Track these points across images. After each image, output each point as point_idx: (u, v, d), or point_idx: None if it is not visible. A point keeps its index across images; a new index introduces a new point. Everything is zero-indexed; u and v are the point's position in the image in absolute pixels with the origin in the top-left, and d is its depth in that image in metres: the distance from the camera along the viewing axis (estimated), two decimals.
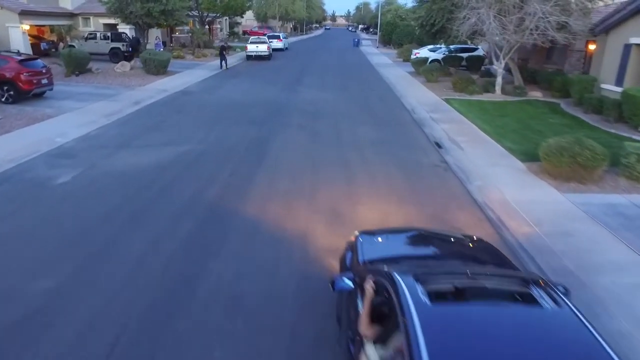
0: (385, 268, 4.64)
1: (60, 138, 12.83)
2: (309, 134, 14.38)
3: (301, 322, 5.62)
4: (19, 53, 19.16)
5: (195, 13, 41.35)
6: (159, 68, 25.16)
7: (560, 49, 22.77)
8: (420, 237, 6.44)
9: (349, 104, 19.66)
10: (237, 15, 52.37)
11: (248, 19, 75.81)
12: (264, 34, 51.97)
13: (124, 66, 26.13)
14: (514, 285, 4.22)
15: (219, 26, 56.71)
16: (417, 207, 9.02)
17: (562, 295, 3.99)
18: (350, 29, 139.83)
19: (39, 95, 17.63)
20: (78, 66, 23.52)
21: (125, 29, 31.73)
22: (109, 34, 30.40)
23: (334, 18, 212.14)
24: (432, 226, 7.90)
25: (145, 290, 6.11)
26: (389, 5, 70.87)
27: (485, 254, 5.74)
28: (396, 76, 28.83)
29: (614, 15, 17.37)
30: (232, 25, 63.74)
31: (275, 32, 60.78)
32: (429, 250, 6.08)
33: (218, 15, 45.73)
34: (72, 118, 15.12)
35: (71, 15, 33.07)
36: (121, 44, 29.81)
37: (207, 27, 45.18)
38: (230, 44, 43.20)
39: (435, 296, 3.90)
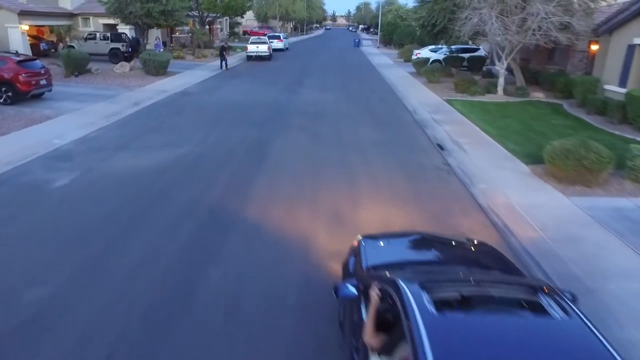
0: (390, 275, 4.55)
1: (59, 140, 12.68)
2: (310, 135, 14.23)
3: (303, 329, 5.49)
4: (17, 54, 19.03)
5: (195, 13, 41.20)
6: (158, 69, 25.02)
7: (562, 50, 22.62)
8: (424, 242, 6.32)
9: (350, 105, 19.51)
10: (237, 16, 52.23)
11: (248, 19, 75.65)
12: (265, 34, 51.85)
13: (123, 67, 26.00)
14: (521, 293, 4.13)
15: (219, 26, 56.58)
16: (420, 211, 8.87)
17: (570, 303, 3.89)
18: (350, 29, 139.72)
19: (38, 97, 17.50)
20: (77, 67, 23.37)
21: (125, 29, 31.60)
22: (108, 34, 30.27)
23: (334, 18, 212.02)
24: (435, 231, 7.77)
25: (143, 298, 5.96)
26: (389, 6, 70.68)
27: (490, 259, 5.63)
28: (397, 77, 28.69)
29: (617, 16, 17.21)
30: (233, 25, 63.60)
31: (276, 32, 60.66)
32: (433, 255, 5.96)
33: (218, 15, 45.57)
34: (70, 119, 14.98)
35: (71, 15, 32.93)
36: (121, 44, 29.68)
37: (207, 27, 45.05)
38: (230, 44, 43.06)
39: (442, 305, 3.81)
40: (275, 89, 22.96)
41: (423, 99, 20.74)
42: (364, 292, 4.64)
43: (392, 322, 4.00)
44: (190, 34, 41.16)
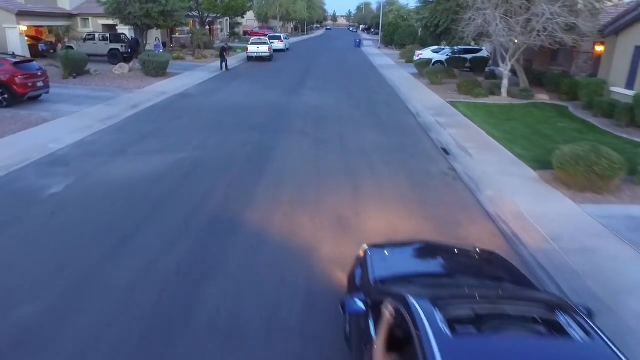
0: (400, 291, 4.31)
1: (54, 144, 12.39)
2: (312, 140, 13.92)
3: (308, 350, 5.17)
4: (13, 55, 18.72)
5: (195, 14, 40.91)
6: (158, 70, 24.73)
7: (565, 51, 22.28)
8: (432, 252, 6.08)
9: (352, 107, 19.20)
10: (237, 16, 51.97)
11: (249, 19, 75.36)
12: (265, 35, 51.60)
13: (122, 68, 25.71)
14: (538, 311, 3.93)
15: (219, 27, 56.30)
16: (426, 220, 8.56)
17: (590, 322, 3.70)
18: (351, 29, 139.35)
19: (35, 99, 17.22)
20: (76, 68, 23.08)
21: (125, 30, 31.29)
22: (107, 35, 29.97)
23: (335, 18, 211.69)
24: (442, 240, 7.45)
25: (137, 320, 5.65)
26: (390, 6, 70.33)
27: (501, 270, 5.41)
28: (399, 78, 28.38)
29: (624, 17, 16.90)
30: (233, 25, 63.33)
31: (276, 32, 60.35)
32: (443, 266, 5.71)
33: (218, 15, 45.29)
34: (67, 123, 14.69)
35: (70, 15, 32.60)
36: (120, 45, 29.38)
37: (207, 27, 44.75)
38: (230, 44, 42.78)
39: (455, 325, 3.61)
40: (276, 91, 22.66)
41: (426, 101, 20.43)
42: (372, 307, 4.44)
43: (402, 339, 3.80)
44: (190, 35, 40.85)
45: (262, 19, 78.37)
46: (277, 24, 78.96)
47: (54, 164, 11.02)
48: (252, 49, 36.98)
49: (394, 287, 4.65)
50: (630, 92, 15.91)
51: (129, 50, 29.27)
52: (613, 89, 17.42)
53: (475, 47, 30.11)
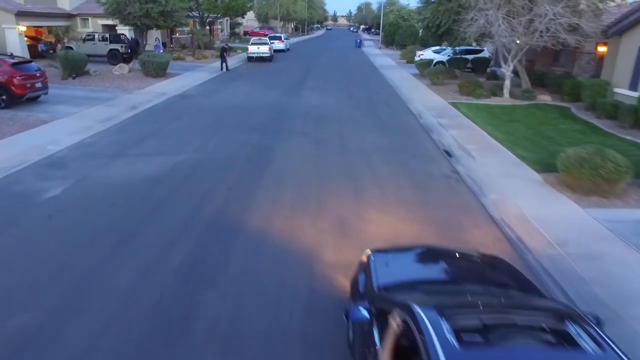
0: (405, 299, 4.22)
1: (53, 146, 12.26)
2: (313, 141, 13.78)
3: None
4: (12, 56, 18.58)
5: (195, 14, 40.79)
6: (158, 70, 24.60)
7: (568, 51, 22.13)
8: (436, 257, 5.96)
9: (353, 108, 19.07)
10: (238, 16, 51.84)
11: (249, 20, 75.21)
12: (265, 35, 51.46)
13: (122, 68, 25.59)
14: (547, 321, 3.83)
15: (219, 27, 56.18)
16: (429, 223, 8.43)
17: (600, 332, 3.61)
18: (351, 29, 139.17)
19: (33, 100, 17.09)
20: (75, 68, 22.96)
21: (124, 30, 31.18)
22: (107, 35, 29.83)
23: (335, 18, 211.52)
24: (446, 245, 7.32)
25: (135, 327, 5.53)
26: (391, 6, 70.16)
27: (507, 276, 5.30)
28: (400, 78, 28.25)
29: (628, 17, 16.77)
30: (233, 25, 63.21)
31: (277, 32, 60.21)
32: (448, 272, 5.61)
33: (219, 15, 45.16)
34: (66, 124, 14.56)
35: (69, 16, 32.48)
36: (120, 45, 29.24)
37: (207, 27, 44.63)
38: (231, 44, 42.65)
39: (463, 335, 3.52)
40: (276, 92, 22.53)
41: (427, 102, 20.30)
42: (377, 316, 4.36)
43: (408, 349, 3.71)
44: (191, 35, 40.72)
45: (263, 19, 78.20)
46: (277, 24, 78.78)
47: (53, 166, 10.89)
48: (253, 49, 36.81)
49: (399, 295, 4.56)
50: (634, 94, 15.78)
51: (129, 50, 29.13)
52: (616, 90, 17.29)
53: (476, 48, 29.98)
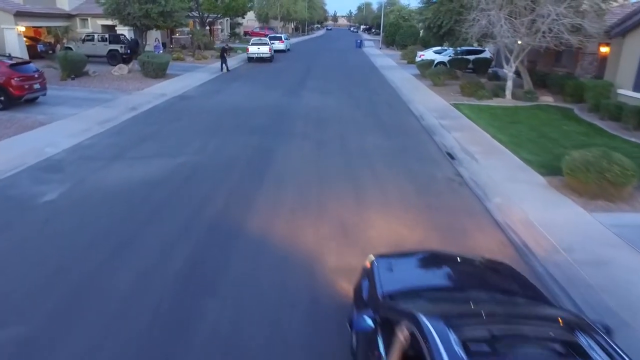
0: (410, 308, 4.11)
1: (50, 148, 12.10)
2: (314, 143, 13.62)
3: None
4: (10, 57, 18.45)
5: (195, 14, 40.64)
6: (157, 71, 24.44)
7: (570, 52, 21.96)
8: (441, 263, 5.82)
9: (354, 109, 18.91)
10: (238, 16, 51.69)
11: (249, 20, 75.06)
12: (266, 35, 51.30)
13: (121, 69, 25.44)
14: (556, 331, 3.76)
15: (219, 27, 56.04)
16: (433, 228, 8.27)
17: (612, 343, 3.51)
18: (352, 29, 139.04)
19: (32, 101, 16.93)
20: (74, 69, 22.79)
21: (124, 30, 31.04)
22: (106, 35, 29.66)
23: (335, 18, 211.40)
24: (450, 250, 7.17)
25: (132, 338, 5.37)
26: (391, 6, 69.99)
27: (514, 283, 5.19)
28: (401, 79, 28.09)
29: (631, 18, 16.60)
30: (233, 26, 63.08)
31: (277, 32, 60.05)
32: (454, 279, 5.47)
33: (219, 16, 45.01)
34: (64, 126, 14.40)
35: (68, 16, 32.33)
36: (119, 46, 29.07)
37: (207, 28, 44.48)
38: (231, 45, 42.49)
39: (471, 347, 3.42)
40: (276, 92, 22.37)
41: (429, 103, 20.13)
42: (381, 324, 4.26)
43: (414, 359, 3.64)
44: (191, 35, 40.56)
45: (263, 19, 78.04)
46: (277, 24, 78.59)
47: (50, 169, 10.74)
48: (253, 49, 36.61)
49: (404, 304, 4.46)
50: (639, 95, 15.63)
51: (128, 51, 28.97)
52: (620, 91, 17.12)
53: (478, 48, 29.83)
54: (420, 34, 46.23)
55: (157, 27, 29.03)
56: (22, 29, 26.66)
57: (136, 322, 5.57)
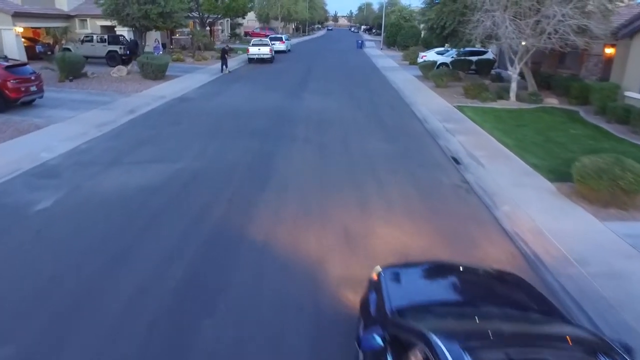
0: (422, 327, 3.92)
1: (46, 153, 11.81)
2: (316, 147, 13.33)
3: None
4: (6, 58, 18.17)
5: (195, 14, 40.37)
6: (156, 72, 24.15)
7: (574, 53, 21.64)
8: (452, 275, 5.56)
9: (356, 111, 18.61)
10: (238, 17, 51.43)
11: (250, 20, 74.79)
12: (266, 35, 50.99)
13: (120, 71, 25.15)
14: (577, 355, 3.65)
15: (220, 27, 55.77)
16: (441, 238, 7.97)
17: None
18: (352, 29, 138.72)
19: (28, 104, 16.62)
20: (72, 70, 22.50)
21: (123, 31, 30.76)
22: (106, 36, 29.35)
23: (336, 18, 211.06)
24: (459, 260, 6.88)
25: (132, 347, 5.08)
26: (392, 6, 69.69)
27: (528, 298, 4.97)
28: (403, 80, 27.79)
29: (639, 19, 16.30)
30: (234, 26, 62.84)
31: (277, 33, 59.75)
32: (466, 293, 5.22)
33: (219, 16, 44.74)
34: (61, 129, 14.11)
35: (67, 17, 32.08)
36: (119, 47, 28.75)
37: (207, 28, 44.21)
38: (231, 45, 42.21)
39: None
40: (277, 94, 22.07)
41: (432, 105, 19.83)
42: (391, 343, 4.06)
43: None
44: (191, 36, 40.29)
45: (263, 19, 77.77)
46: (278, 24, 78.30)
47: (45, 175, 10.44)
48: (253, 50, 36.28)
49: (415, 321, 4.25)
50: None
51: (128, 52, 28.66)
52: (627, 93, 16.83)
53: (480, 49, 29.53)
54: (422, 35, 45.94)
55: (157, 28, 28.75)
56: (20, 29, 26.41)
57: (132, 338, 5.28)
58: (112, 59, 28.16)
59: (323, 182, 10.48)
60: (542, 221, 8.53)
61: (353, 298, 5.96)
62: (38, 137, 13.22)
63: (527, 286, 5.25)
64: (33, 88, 16.34)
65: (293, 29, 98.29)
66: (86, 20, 33.06)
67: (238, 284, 6.49)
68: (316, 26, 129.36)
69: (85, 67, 23.79)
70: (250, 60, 36.19)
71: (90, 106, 17.22)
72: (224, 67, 29.31)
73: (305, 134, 14.77)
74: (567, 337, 4.05)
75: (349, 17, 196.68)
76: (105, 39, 29.02)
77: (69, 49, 27.01)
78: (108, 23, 29.69)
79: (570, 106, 19.38)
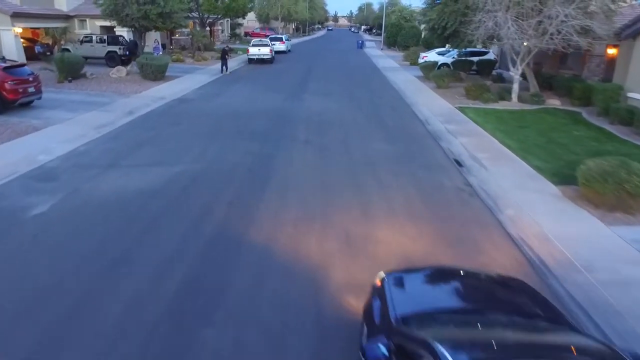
0: (429, 337, 3.85)
1: (44, 155, 11.68)
2: (317, 149, 13.19)
3: None
4: (3, 59, 18.03)
5: (195, 15, 40.23)
6: (156, 73, 24.00)
7: (576, 54, 21.49)
8: (457, 281, 5.47)
9: (356, 113, 18.47)
10: (238, 17, 51.30)
11: (250, 20, 74.65)
12: (266, 36, 50.86)
13: (119, 71, 25.01)
14: None
15: (220, 28, 55.63)
16: (443, 243, 7.84)
17: None
18: (352, 30, 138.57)
19: (26, 105, 16.47)
20: (71, 71, 22.35)
21: (123, 31, 30.63)
22: (105, 37, 29.19)
23: (336, 19, 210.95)
24: (463, 265, 6.74)
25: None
26: (393, 7, 69.57)
27: (535, 304, 4.89)
28: (404, 81, 27.65)
29: None
30: (234, 26, 62.71)
31: (278, 33, 59.61)
32: (472, 299, 5.12)
33: (219, 16, 44.61)
34: (59, 131, 13.97)
35: (66, 17, 31.95)
36: (118, 47, 28.60)
37: (207, 29, 44.07)
38: (231, 46, 42.08)
39: None
40: (277, 95, 21.93)
41: (434, 106, 19.69)
42: (396, 352, 4.03)
43: None
44: (190, 36, 40.14)
45: (263, 19, 77.63)
46: (278, 24, 78.16)
47: (42, 178, 10.30)
48: (253, 50, 36.12)
49: (420, 330, 4.17)
50: None
51: (127, 52, 28.50)
52: (630, 94, 16.69)
53: (482, 50, 29.39)
54: (423, 35, 45.82)
55: (156, 29, 28.60)
56: (19, 30, 26.28)
57: (133, 339, 5.14)
58: (112, 60, 28.02)
59: (324, 184, 10.35)
60: (547, 225, 8.39)
61: (355, 303, 5.84)
62: (36, 139, 13.08)
63: (531, 292, 5.18)
64: (31, 89, 16.20)
65: (293, 29, 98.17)
66: (85, 20, 32.93)
67: (238, 287, 6.37)
68: (316, 26, 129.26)
69: (85, 68, 23.66)
70: (250, 61, 36.05)
71: (89, 107, 17.08)
72: (224, 67, 29.17)
73: (305, 135, 14.64)
74: (573, 347, 3.96)
75: (349, 17, 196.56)
76: (105, 40, 28.86)
77: (68, 50, 26.85)
78: (107, 23, 29.55)
79: (573, 107, 19.24)
